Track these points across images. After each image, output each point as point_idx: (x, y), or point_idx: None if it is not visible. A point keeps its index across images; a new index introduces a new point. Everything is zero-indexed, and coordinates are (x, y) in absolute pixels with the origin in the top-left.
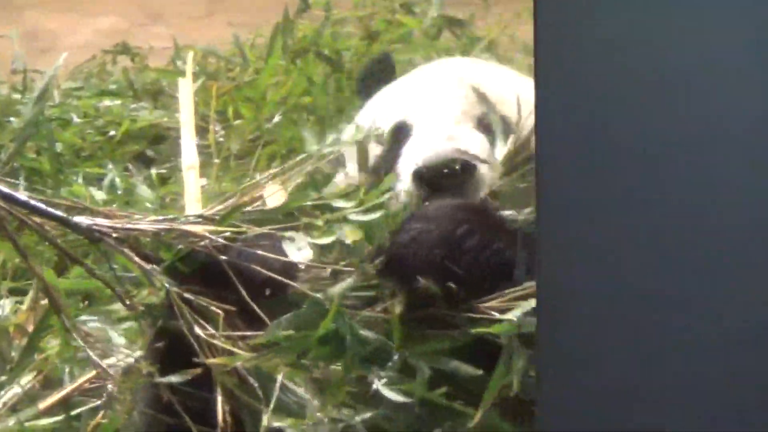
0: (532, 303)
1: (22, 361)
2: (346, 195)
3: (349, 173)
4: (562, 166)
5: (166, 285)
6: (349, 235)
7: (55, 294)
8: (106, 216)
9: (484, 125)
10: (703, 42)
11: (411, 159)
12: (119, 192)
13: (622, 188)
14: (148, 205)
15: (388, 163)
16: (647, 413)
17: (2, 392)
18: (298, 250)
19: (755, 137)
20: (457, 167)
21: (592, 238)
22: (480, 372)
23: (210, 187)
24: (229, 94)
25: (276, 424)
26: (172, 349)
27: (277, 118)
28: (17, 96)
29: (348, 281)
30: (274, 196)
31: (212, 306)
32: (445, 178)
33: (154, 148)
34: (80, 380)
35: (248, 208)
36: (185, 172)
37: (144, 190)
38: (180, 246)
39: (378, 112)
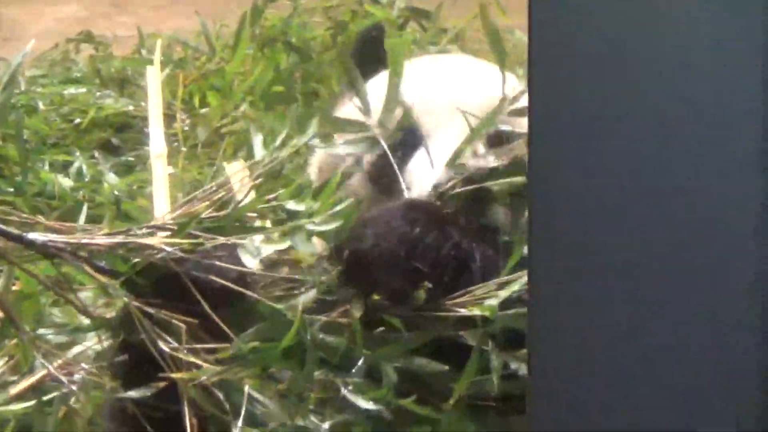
0: (500, 297)
1: None
2: (299, 196)
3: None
4: (555, 166)
5: (125, 299)
6: (304, 247)
7: (11, 309)
8: (60, 231)
9: (496, 137)
10: (695, 44)
11: (427, 172)
12: (86, 179)
13: (614, 189)
14: (116, 192)
15: (392, 169)
16: (639, 413)
17: None
18: (254, 257)
19: (748, 140)
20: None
21: (583, 241)
22: (447, 368)
23: (177, 175)
24: (196, 82)
25: None
26: (134, 363)
27: (243, 107)
28: None
29: (311, 293)
30: (238, 175)
31: (174, 319)
32: (468, 196)
33: (119, 136)
34: (51, 366)
35: (204, 214)
36: (153, 161)
37: (111, 178)
38: (137, 259)
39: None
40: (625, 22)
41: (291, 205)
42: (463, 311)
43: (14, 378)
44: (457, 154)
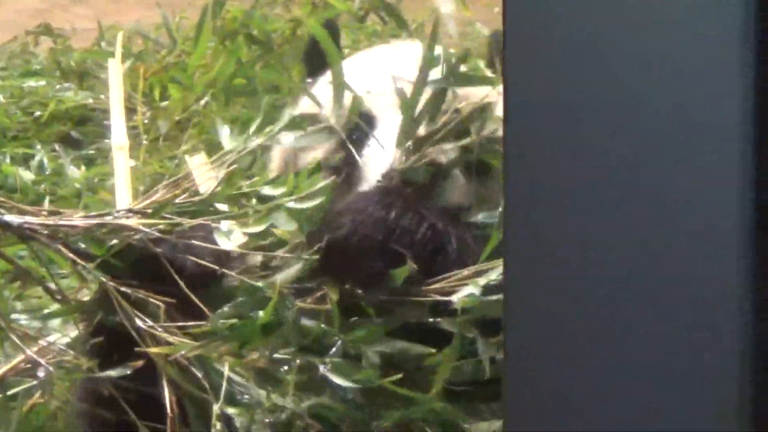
0: (478, 284)
1: None
2: (274, 182)
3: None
4: (529, 159)
5: (102, 279)
6: (284, 225)
7: None
8: (35, 214)
9: None
10: (677, 34)
11: (379, 156)
12: (47, 172)
13: (592, 183)
14: (77, 185)
15: (348, 153)
16: (618, 409)
17: None
18: (230, 240)
19: (730, 136)
20: (435, 169)
21: (560, 231)
22: (432, 350)
23: (139, 168)
24: (157, 75)
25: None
26: (109, 344)
27: (205, 100)
28: None
29: (292, 270)
30: (200, 168)
31: (151, 298)
32: (424, 179)
33: (79, 129)
34: (15, 361)
35: (178, 200)
36: (114, 153)
37: (72, 171)
38: (114, 241)
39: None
40: (603, 10)
41: (266, 190)
42: (439, 297)
43: None
44: (404, 134)
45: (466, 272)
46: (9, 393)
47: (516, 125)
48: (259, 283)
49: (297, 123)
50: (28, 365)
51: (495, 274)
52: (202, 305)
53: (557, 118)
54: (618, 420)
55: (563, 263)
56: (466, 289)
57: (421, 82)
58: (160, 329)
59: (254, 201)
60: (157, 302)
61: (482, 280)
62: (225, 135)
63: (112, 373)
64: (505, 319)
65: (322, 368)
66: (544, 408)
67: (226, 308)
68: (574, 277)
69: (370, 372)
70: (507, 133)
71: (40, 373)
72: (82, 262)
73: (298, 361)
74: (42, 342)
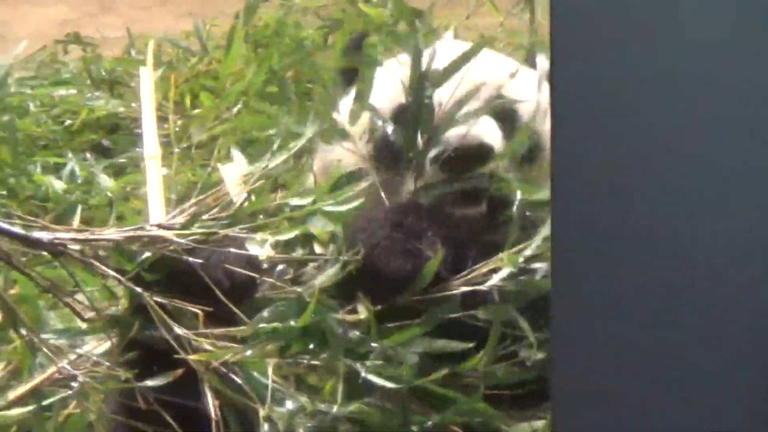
0: (502, 274)
1: None
2: (305, 194)
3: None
4: (577, 159)
5: (138, 290)
6: (320, 228)
7: (10, 305)
8: (65, 230)
9: (491, 110)
10: (716, 41)
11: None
12: (79, 182)
13: (637, 182)
14: (109, 194)
15: (394, 147)
16: (662, 415)
17: None
18: (262, 249)
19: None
20: (480, 151)
21: (607, 235)
22: (470, 345)
23: (170, 176)
24: (187, 83)
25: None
26: (144, 356)
27: (237, 107)
28: None
29: (330, 271)
30: (234, 177)
31: (189, 307)
32: (467, 161)
33: (110, 137)
34: (50, 371)
35: (207, 215)
36: (146, 162)
37: (104, 180)
38: (147, 254)
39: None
40: (649, 12)
41: (295, 201)
42: (467, 288)
43: (13, 383)
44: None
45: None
46: (44, 403)
47: (563, 127)
48: (297, 289)
49: (326, 135)
50: (62, 376)
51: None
52: (239, 312)
53: (606, 120)
54: (665, 419)
55: (612, 261)
56: (500, 273)
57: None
58: (198, 338)
59: (287, 210)
60: (195, 310)
61: (504, 270)
62: (239, 157)
63: (152, 382)
64: (552, 327)
65: (362, 372)
66: (593, 406)
67: (265, 313)
68: (624, 276)
69: (410, 370)
70: (555, 130)
71: (75, 384)
72: (115, 275)
73: (340, 365)
74: (73, 354)
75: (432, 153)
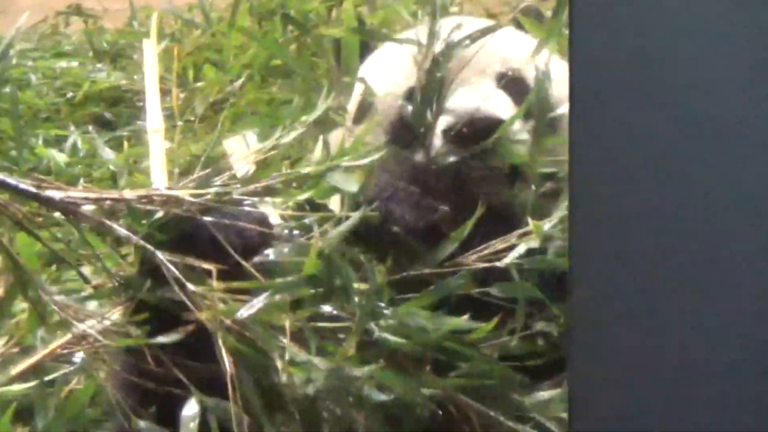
0: (520, 250)
1: None
2: (319, 164)
3: (352, 131)
4: (596, 150)
5: (151, 248)
6: (343, 185)
7: (22, 266)
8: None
9: (503, 83)
10: (737, 46)
11: (438, 117)
12: (81, 154)
13: (659, 160)
14: (112, 167)
15: (409, 121)
16: (683, 415)
17: None
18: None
19: None
20: (487, 123)
21: (627, 232)
22: (480, 325)
23: (174, 150)
24: (190, 56)
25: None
26: (155, 319)
27: (241, 81)
28: None
29: (345, 225)
30: (238, 151)
31: (202, 265)
32: (476, 134)
33: (112, 110)
34: (53, 345)
35: (219, 181)
36: (150, 135)
37: (107, 153)
38: (158, 214)
39: (382, 71)
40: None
41: (308, 168)
42: (484, 264)
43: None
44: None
45: (507, 240)
46: (46, 379)
47: (582, 117)
48: (303, 241)
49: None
50: (65, 350)
51: (533, 241)
52: (251, 270)
53: (626, 113)
54: (685, 400)
55: (632, 238)
56: (516, 251)
57: None
58: (210, 293)
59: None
60: (208, 268)
61: (523, 245)
62: (247, 134)
63: (168, 338)
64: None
65: (376, 331)
66: (611, 379)
67: (272, 265)
68: (646, 262)
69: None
70: (573, 107)
71: (78, 360)
72: (128, 233)
73: (353, 323)
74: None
75: (442, 126)
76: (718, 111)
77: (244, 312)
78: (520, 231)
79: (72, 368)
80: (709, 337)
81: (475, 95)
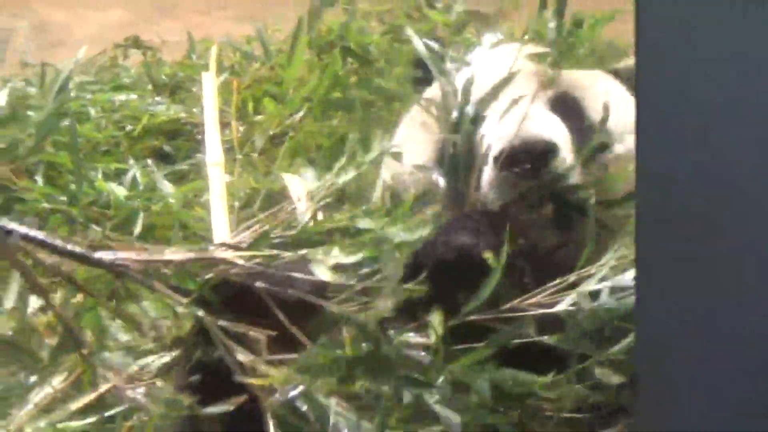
0: (576, 294)
1: (53, 360)
2: (371, 213)
3: (397, 174)
4: (662, 175)
5: (200, 313)
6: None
7: (73, 328)
8: (125, 248)
9: (556, 107)
10: None
11: (490, 144)
12: (140, 188)
13: (724, 197)
14: (171, 201)
15: (463, 154)
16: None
17: (34, 392)
18: (327, 271)
19: None
20: (541, 148)
21: (695, 248)
22: (539, 378)
23: (233, 183)
24: (249, 89)
25: None
26: (208, 380)
27: (301, 114)
28: (32, 89)
29: (390, 299)
30: (298, 187)
31: (251, 331)
32: (529, 160)
33: (171, 143)
34: (113, 381)
35: (273, 234)
36: (210, 169)
37: (166, 186)
38: (209, 275)
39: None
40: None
41: (363, 223)
42: (544, 310)
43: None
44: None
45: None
46: (106, 415)
47: (648, 134)
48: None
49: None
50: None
51: (593, 283)
52: (302, 337)
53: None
54: None
55: (699, 278)
56: (568, 298)
57: None
58: (261, 361)
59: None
60: (258, 334)
61: (581, 289)
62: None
63: (215, 409)
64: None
65: (430, 402)
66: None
67: (324, 341)
68: (711, 297)
69: (480, 402)
70: (640, 147)
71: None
72: (177, 297)
73: (403, 394)
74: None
75: (492, 153)
76: None
77: (290, 384)
78: (577, 274)
79: (130, 405)
80: None
81: (529, 119)
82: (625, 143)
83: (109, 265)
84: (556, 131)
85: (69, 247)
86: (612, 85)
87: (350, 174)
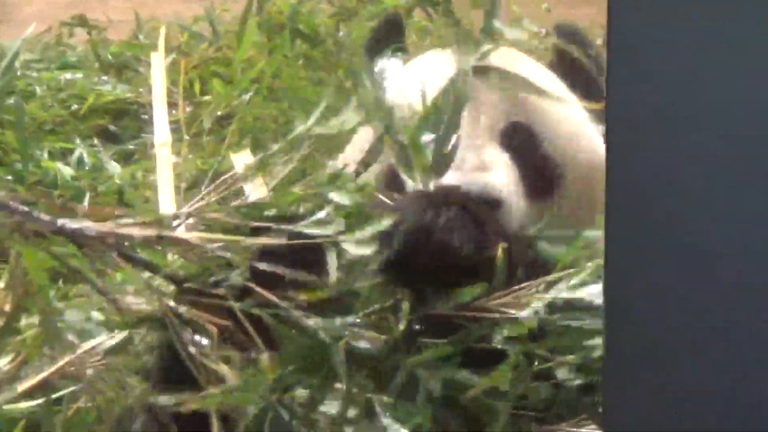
0: (546, 300)
1: None
2: (335, 183)
3: (347, 157)
4: (633, 167)
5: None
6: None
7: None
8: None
9: (510, 139)
10: None
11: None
12: (87, 168)
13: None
14: (118, 181)
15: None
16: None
17: None
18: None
19: None
20: (483, 203)
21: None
22: (482, 386)
23: (180, 164)
24: (197, 69)
25: None
26: (171, 366)
27: (249, 95)
28: None
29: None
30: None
31: (205, 322)
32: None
33: (117, 123)
34: (60, 363)
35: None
36: (157, 149)
37: (112, 166)
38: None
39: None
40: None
41: (333, 195)
42: (511, 311)
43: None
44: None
45: (534, 286)
46: (53, 396)
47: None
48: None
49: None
50: (73, 368)
51: (563, 291)
52: (252, 331)
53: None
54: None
55: (668, 278)
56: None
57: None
58: (212, 356)
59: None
60: (211, 326)
61: (550, 295)
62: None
63: (164, 399)
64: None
65: (378, 409)
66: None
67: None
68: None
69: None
70: (609, 142)
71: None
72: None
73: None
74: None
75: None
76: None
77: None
78: (548, 279)
79: (79, 386)
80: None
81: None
82: (581, 161)
83: (72, 233)
84: (502, 179)
85: (33, 212)
86: (561, 89)
87: (304, 151)
